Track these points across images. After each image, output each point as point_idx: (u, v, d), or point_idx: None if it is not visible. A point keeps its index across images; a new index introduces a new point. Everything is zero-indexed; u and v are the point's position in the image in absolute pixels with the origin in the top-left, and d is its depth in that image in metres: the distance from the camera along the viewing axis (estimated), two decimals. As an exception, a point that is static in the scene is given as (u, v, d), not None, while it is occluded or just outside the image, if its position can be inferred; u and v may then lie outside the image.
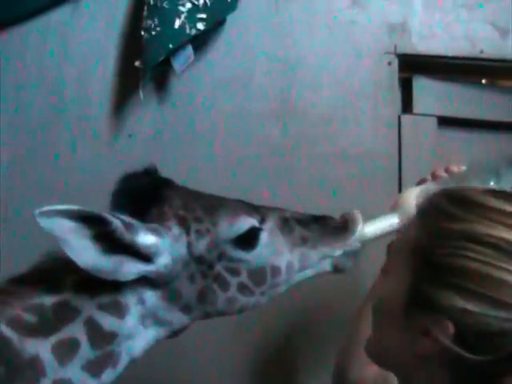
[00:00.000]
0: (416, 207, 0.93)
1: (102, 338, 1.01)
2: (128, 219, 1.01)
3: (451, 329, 0.79)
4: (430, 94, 1.90)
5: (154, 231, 1.04)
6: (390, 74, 1.87)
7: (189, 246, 1.08)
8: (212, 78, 1.84)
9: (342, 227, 1.20)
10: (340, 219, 1.21)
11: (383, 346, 0.93)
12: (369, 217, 1.69)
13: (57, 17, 1.83)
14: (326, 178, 1.84)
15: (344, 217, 1.21)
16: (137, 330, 1.06)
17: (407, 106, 1.91)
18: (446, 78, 1.92)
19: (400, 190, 1.83)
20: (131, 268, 1.01)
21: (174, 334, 1.12)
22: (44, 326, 0.98)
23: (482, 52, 1.88)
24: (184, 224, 1.08)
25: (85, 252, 0.97)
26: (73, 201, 1.73)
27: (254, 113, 1.85)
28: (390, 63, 1.87)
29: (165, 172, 1.75)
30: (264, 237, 1.12)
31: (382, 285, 0.96)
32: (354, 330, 1.35)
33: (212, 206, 1.12)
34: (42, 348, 0.96)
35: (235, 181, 1.80)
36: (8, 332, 0.95)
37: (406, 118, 1.88)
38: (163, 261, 1.05)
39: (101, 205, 1.72)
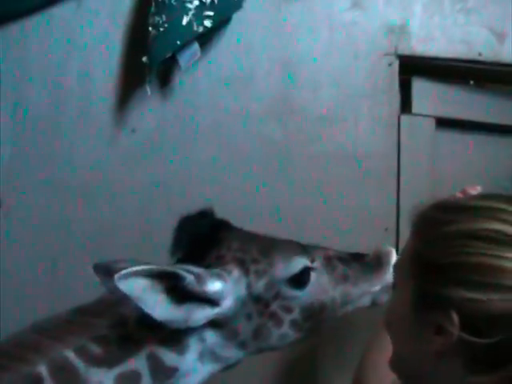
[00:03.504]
0: (411, 223, 0.99)
1: (162, 373, 1.07)
2: (197, 270, 1.07)
3: (457, 319, 0.84)
4: (428, 95, 1.93)
5: (219, 276, 1.10)
6: (390, 75, 1.90)
7: (248, 286, 1.14)
8: (214, 75, 1.86)
9: (377, 263, 1.27)
10: (373, 255, 1.28)
11: (400, 356, 0.98)
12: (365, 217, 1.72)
13: (60, 12, 1.83)
14: (324, 178, 1.86)
15: (377, 253, 1.28)
16: (195, 366, 1.11)
17: (406, 106, 1.93)
18: (444, 80, 1.95)
19: (398, 190, 1.87)
20: (201, 314, 1.07)
21: (228, 367, 1.17)
22: (108, 358, 1.03)
23: (479, 55, 1.92)
24: (243, 266, 1.14)
25: (159, 306, 1.02)
26: (75, 195, 1.76)
27: (254, 111, 1.87)
28: (390, 64, 1.89)
29: (166, 168, 1.80)
30: (313, 276, 1.18)
31: (389, 299, 1.03)
32: (370, 345, 1.38)
33: (267, 246, 1.18)
34: (106, 378, 1.01)
35: (235, 178, 1.82)
36: (75, 360, 1.00)
37: (404, 119, 1.90)
38: (227, 303, 1.11)
39: (102, 198, 1.76)
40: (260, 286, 1.14)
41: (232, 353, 1.15)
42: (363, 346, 1.41)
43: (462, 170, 1.93)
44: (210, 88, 1.86)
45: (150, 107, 1.81)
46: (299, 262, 1.16)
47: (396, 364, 1.00)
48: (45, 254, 1.74)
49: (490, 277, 0.83)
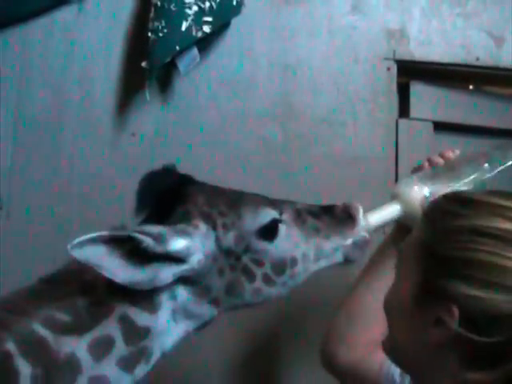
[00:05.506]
0: (423, 212, 1.00)
1: (135, 334, 1.04)
2: (156, 230, 1.04)
3: (457, 314, 0.84)
4: (426, 99, 1.95)
5: (183, 233, 1.07)
6: (389, 79, 1.92)
7: (217, 240, 1.11)
8: (214, 79, 1.87)
9: (347, 216, 1.23)
10: (342, 209, 1.24)
11: (396, 342, 0.97)
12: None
13: (61, 16, 1.84)
14: (323, 181, 1.87)
15: (346, 207, 1.24)
16: (168, 325, 1.08)
17: (404, 110, 1.95)
18: (443, 84, 1.96)
19: (396, 193, 1.87)
20: (167, 273, 1.04)
21: (202, 326, 1.15)
22: (78, 325, 1.00)
23: (477, 59, 1.93)
24: (210, 220, 1.12)
25: (121, 271, 1.00)
26: (75, 199, 1.78)
27: (254, 114, 1.88)
28: (388, 68, 1.91)
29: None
30: (283, 228, 1.15)
31: (392, 284, 1.00)
32: (340, 314, 1.39)
33: (234, 200, 1.16)
34: (77, 346, 0.98)
35: (235, 180, 1.81)
36: (43, 332, 0.97)
37: (402, 123, 1.92)
38: (196, 259, 1.08)
39: (102, 202, 1.77)
40: (229, 238, 1.11)
41: (205, 310, 1.12)
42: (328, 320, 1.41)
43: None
44: (209, 92, 1.87)
45: (149, 111, 1.82)
46: (267, 214, 1.14)
47: (391, 349, 1.00)
48: (45, 256, 1.75)
49: (494, 276, 0.83)
